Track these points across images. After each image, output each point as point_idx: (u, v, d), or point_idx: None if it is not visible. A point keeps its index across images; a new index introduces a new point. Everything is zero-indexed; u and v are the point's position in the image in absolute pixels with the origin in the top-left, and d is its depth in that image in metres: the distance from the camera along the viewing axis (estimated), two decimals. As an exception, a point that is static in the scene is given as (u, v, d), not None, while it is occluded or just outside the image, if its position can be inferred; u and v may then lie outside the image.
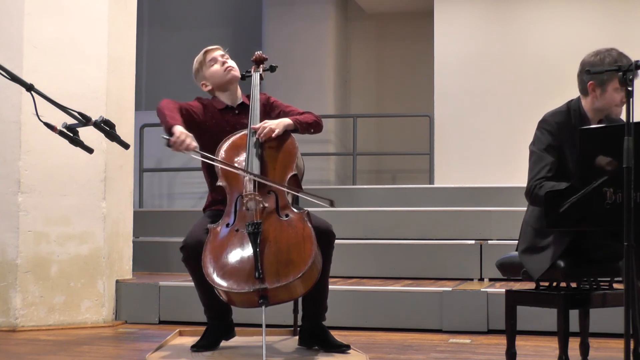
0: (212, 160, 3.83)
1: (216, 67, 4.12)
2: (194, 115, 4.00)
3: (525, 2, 8.93)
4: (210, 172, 4.03)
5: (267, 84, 8.42)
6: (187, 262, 3.81)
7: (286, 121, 3.96)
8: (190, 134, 3.77)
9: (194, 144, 3.76)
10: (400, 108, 10.17)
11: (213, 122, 4.03)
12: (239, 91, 4.19)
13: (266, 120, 3.95)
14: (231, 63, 4.14)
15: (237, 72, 4.15)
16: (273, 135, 3.88)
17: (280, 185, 3.77)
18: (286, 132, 3.95)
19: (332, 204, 3.68)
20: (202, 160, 4.03)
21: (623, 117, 3.42)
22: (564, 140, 3.27)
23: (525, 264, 3.31)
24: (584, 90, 3.36)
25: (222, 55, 4.15)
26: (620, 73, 2.77)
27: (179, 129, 3.73)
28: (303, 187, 4.02)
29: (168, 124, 3.77)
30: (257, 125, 3.92)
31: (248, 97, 4.16)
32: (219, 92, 4.15)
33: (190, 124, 3.89)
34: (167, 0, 10.59)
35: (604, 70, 3.10)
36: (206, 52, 4.16)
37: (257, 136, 3.89)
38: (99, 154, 5.03)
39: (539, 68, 8.59)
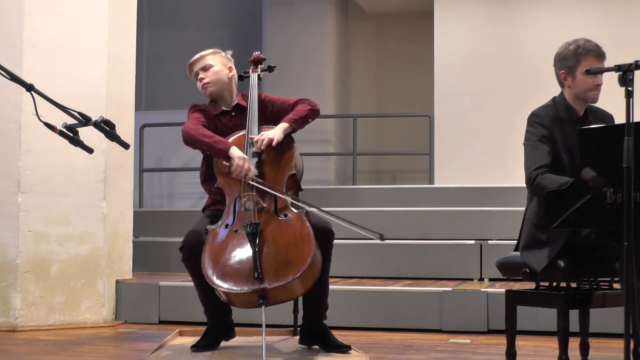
0: (270, 188, 3.76)
1: (197, 83, 4.12)
2: None
3: (525, 2, 8.93)
4: (210, 174, 4.00)
5: (267, 84, 8.42)
6: (187, 263, 3.81)
7: (283, 126, 3.93)
8: (247, 157, 3.78)
9: (254, 169, 3.78)
10: (400, 108, 10.16)
11: (212, 127, 3.99)
12: (234, 92, 4.15)
13: (263, 132, 3.92)
14: (209, 77, 4.06)
15: (213, 87, 4.06)
16: (274, 143, 3.85)
17: (292, 198, 3.78)
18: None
19: (381, 238, 3.63)
20: (202, 162, 4.03)
21: (606, 107, 3.46)
22: (555, 132, 3.31)
23: (526, 260, 3.31)
24: (560, 82, 3.41)
25: (204, 67, 4.07)
26: (620, 72, 2.77)
27: (237, 153, 3.76)
28: (303, 187, 4.02)
29: (222, 151, 3.77)
30: (255, 138, 3.88)
31: (243, 96, 4.14)
32: (214, 98, 4.14)
33: None
34: (167, 1, 10.59)
35: (603, 70, 3.11)
36: (190, 65, 4.13)
37: (256, 148, 3.86)
38: (99, 154, 5.03)
39: (538, 68, 8.56)
